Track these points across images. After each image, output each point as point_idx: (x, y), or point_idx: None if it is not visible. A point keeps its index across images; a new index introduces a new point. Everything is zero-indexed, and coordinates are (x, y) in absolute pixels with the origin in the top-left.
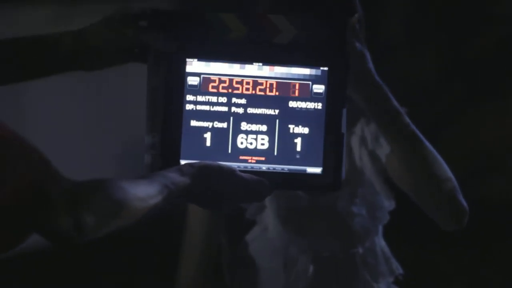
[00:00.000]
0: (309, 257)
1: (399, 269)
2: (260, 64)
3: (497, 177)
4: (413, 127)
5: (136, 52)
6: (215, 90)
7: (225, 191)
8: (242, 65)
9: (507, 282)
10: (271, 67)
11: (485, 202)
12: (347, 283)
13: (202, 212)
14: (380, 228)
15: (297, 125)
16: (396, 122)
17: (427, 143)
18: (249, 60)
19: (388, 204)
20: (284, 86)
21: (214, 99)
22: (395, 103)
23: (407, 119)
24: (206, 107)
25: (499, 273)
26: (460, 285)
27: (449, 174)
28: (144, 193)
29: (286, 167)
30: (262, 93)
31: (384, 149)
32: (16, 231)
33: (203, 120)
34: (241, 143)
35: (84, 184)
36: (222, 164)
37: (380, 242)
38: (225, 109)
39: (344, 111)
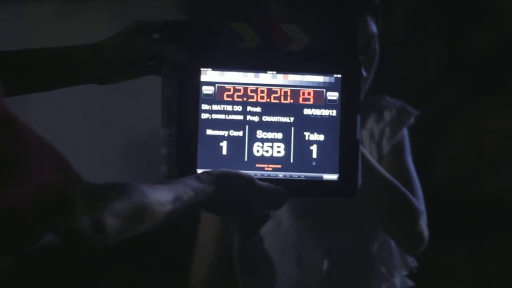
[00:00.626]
0: (323, 252)
1: (414, 263)
2: (274, 72)
3: (499, 175)
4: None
5: (151, 65)
6: (230, 99)
7: (243, 199)
8: (256, 74)
9: (509, 279)
10: (285, 75)
11: (486, 200)
12: (361, 278)
13: None
14: None
15: (312, 132)
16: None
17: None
18: (263, 69)
19: None
20: (298, 93)
21: (229, 107)
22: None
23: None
24: (222, 116)
25: (501, 270)
26: (463, 281)
27: (415, 203)
28: (164, 198)
29: (303, 174)
30: (276, 101)
31: (385, 148)
32: (34, 230)
33: (219, 129)
34: (257, 151)
35: (105, 186)
36: (240, 172)
37: None
38: (240, 117)
39: (359, 117)
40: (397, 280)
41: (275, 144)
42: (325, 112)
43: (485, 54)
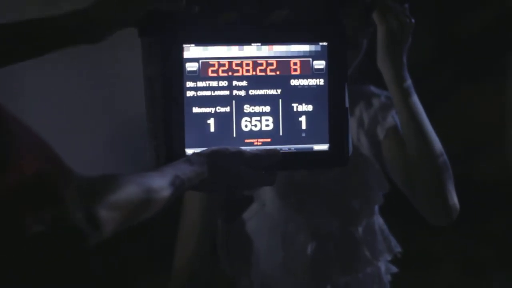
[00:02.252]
0: (308, 234)
1: (397, 247)
2: (259, 44)
3: (490, 156)
4: (423, 115)
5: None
6: (215, 75)
7: (237, 175)
8: (241, 47)
9: (499, 262)
10: (270, 46)
11: (477, 182)
12: (346, 260)
13: (198, 193)
14: (377, 208)
15: (300, 103)
16: (412, 106)
17: (433, 132)
18: (247, 41)
19: (383, 185)
20: (284, 64)
21: (214, 83)
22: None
23: (421, 108)
24: (207, 93)
25: (490, 253)
26: (451, 265)
27: (447, 164)
28: (157, 185)
29: (293, 147)
30: (262, 73)
31: (380, 134)
32: (23, 223)
33: (205, 106)
34: (246, 126)
35: (96, 178)
36: (229, 147)
37: (378, 220)
38: (226, 93)
39: (346, 85)
40: (381, 265)
41: (263, 118)
42: (313, 82)
43: (479, 34)
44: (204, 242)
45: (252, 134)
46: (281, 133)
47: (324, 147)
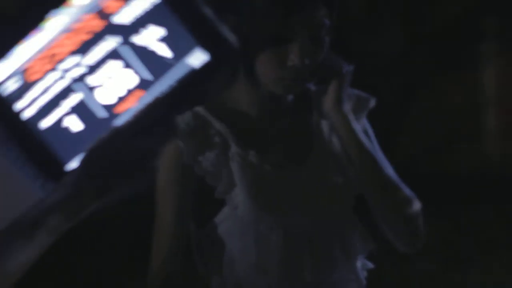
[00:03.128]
0: (280, 234)
1: (372, 244)
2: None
3: (461, 147)
4: (375, 154)
5: None
6: (38, 76)
7: (127, 157)
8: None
9: (477, 251)
10: None
11: (450, 173)
12: (319, 259)
13: (171, 195)
14: (351, 206)
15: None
16: (361, 149)
17: (389, 170)
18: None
19: (355, 186)
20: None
21: (44, 84)
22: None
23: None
24: (44, 98)
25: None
26: (428, 258)
27: (408, 199)
28: (19, 262)
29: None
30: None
31: None
32: None
33: (49, 111)
34: (101, 98)
35: None
36: (100, 136)
37: (352, 219)
38: (63, 84)
39: None
40: (357, 262)
41: (116, 71)
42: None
43: (446, 28)
44: (178, 244)
45: (116, 100)
46: (148, 77)
47: (201, 57)
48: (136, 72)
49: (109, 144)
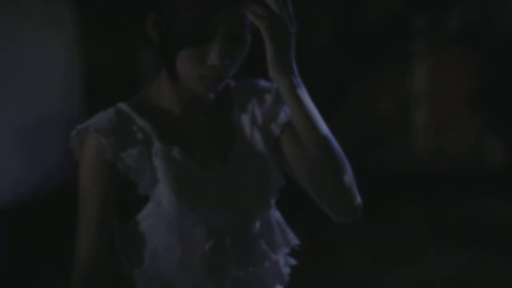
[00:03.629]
0: (204, 229)
1: (295, 240)
2: None
3: (392, 144)
4: (324, 127)
5: None
6: None
7: None
8: None
9: (405, 250)
10: None
11: (382, 169)
12: (243, 254)
13: (93, 191)
14: (273, 202)
15: None
16: (307, 114)
17: (327, 129)
18: None
19: (278, 180)
20: None
21: None
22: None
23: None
24: None
25: (397, 242)
26: (355, 252)
27: (348, 168)
28: None
29: None
30: None
31: (275, 130)
32: None
33: None
34: None
35: None
36: None
37: (275, 214)
38: None
39: None
40: (280, 258)
41: None
42: None
43: (376, 25)
44: (101, 240)
45: None
46: None
47: None
48: None
49: None
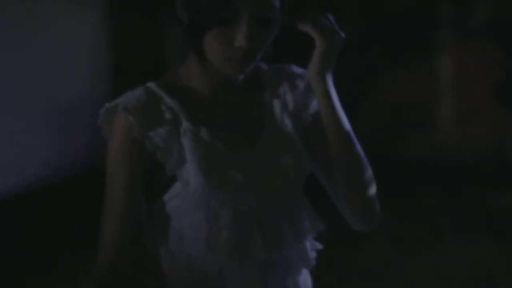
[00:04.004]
0: (230, 210)
1: (321, 225)
2: None
3: (416, 134)
4: (349, 128)
5: None
6: None
7: None
8: None
9: (427, 238)
10: None
11: (406, 159)
12: (269, 237)
13: (122, 169)
14: (300, 186)
15: None
16: (339, 123)
17: (359, 147)
18: None
19: (305, 165)
20: None
21: None
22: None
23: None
24: None
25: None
26: (379, 242)
27: (372, 177)
28: None
29: None
30: None
31: (306, 119)
32: None
33: None
34: None
35: None
36: None
37: (302, 199)
38: None
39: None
40: (306, 242)
41: None
42: None
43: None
44: (128, 219)
45: None
46: None
47: None
48: None
49: None
